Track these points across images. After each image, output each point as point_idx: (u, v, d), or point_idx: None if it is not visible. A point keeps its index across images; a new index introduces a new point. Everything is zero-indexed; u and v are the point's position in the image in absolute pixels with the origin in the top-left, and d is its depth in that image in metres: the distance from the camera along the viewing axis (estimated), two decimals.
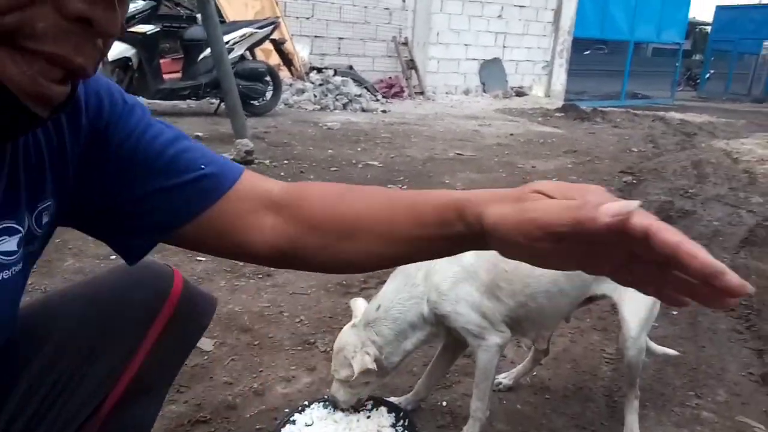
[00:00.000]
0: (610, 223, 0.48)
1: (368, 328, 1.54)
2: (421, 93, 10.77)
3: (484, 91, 11.91)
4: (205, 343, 2.02)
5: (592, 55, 19.21)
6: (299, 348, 2.07)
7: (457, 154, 5.91)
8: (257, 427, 1.65)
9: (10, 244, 0.66)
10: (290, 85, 8.52)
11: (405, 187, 4.41)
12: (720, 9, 17.41)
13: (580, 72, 14.11)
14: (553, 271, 1.45)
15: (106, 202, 0.75)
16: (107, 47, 0.59)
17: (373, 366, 1.49)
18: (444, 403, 1.79)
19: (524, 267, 1.45)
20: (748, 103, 14.77)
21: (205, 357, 1.96)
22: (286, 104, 8.09)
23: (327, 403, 1.64)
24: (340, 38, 10.29)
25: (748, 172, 5.68)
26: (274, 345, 2.08)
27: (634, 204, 0.49)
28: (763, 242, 3.51)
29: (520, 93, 12.08)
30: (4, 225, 0.66)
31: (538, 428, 1.70)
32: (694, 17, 15.69)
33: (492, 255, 1.47)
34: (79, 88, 0.71)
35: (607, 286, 1.60)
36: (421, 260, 0.73)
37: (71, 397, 0.86)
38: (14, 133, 0.62)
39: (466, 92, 11.79)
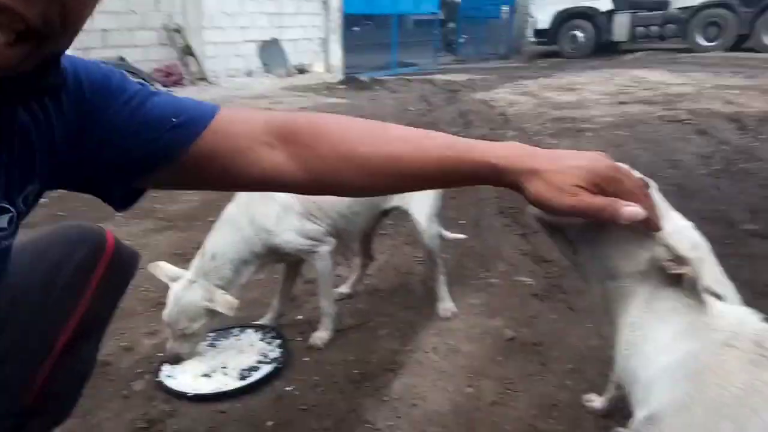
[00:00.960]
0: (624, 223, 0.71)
1: (208, 278, 1.75)
2: (203, 78, 10.60)
3: (267, 72, 12.09)
4: None
5: (363, 30, 20.35)
6: (153, 309, 2.21)
7: None
8: (137, 371, 1.80)
9: (2, 221, 0.72)
10: None
11: None
12: None
13: (355, 46, 14.98)
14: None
15: (92, 167, 0.81)
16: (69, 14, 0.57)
17: (236, 300, 1.74)
18: (300, 317, 2.12)
19: (326, 197, 1.82)
20: (497, 61, 17.02)
21: None
22: None
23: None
24: (104, 30, 9.65)
25: (502, 114, 6.78)
26: (127, 312, 2.19)
27: (641, 212, 0.71)
28: None
29: (302, 70, 12.49)
30: None
31: (376, 315, 2.11)
32: None
33: None
34: (80, 78, 0.77)
35: (394, 199, 2.04)
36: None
37: (26, 340, 0.96)
38: None
39: (249, 74, 11.85)
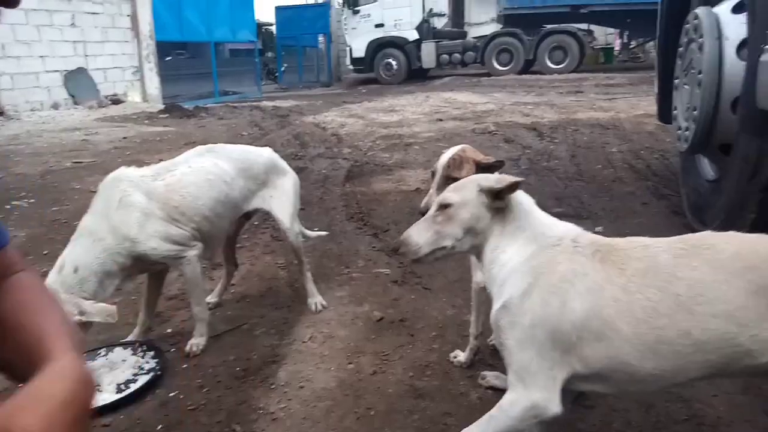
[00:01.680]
0: None
1: (73, 291, 1.66)
2: (0, 113, 9.52)
3: (76, 104, 11.19)
4: None
5: (179, 58, 19.68)
6: None
7: (75, 162, 5.68)
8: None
9: None
10: None
11: (33, 200, 4.15)
12: (279, 9, 19.96)
13: (171, 75, 14.47)
14: (213, 199, 1.91)
15: None
16: None
17: (113, 307, 1.67)
18: (170, 330, 2.08)
19: (187, 201, 1.86)
20: (319, 88, 17.55)
21: None
22: None
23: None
24: None
25: (335, 135, 7.07)
26: None
27: None
28: (357, 176, 4.63)
29: (115, 101, 11.76)
30: None
31: (248, 318, 2.15)
32: (259, 18, 17.57)
33: (159, 196, 1.82)
34: None
35: (256, 201, 2.14)
36: None
37: None
38: None
39: (55, 106, 10.88)
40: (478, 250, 1.24)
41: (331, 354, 1.89)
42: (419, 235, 1.21)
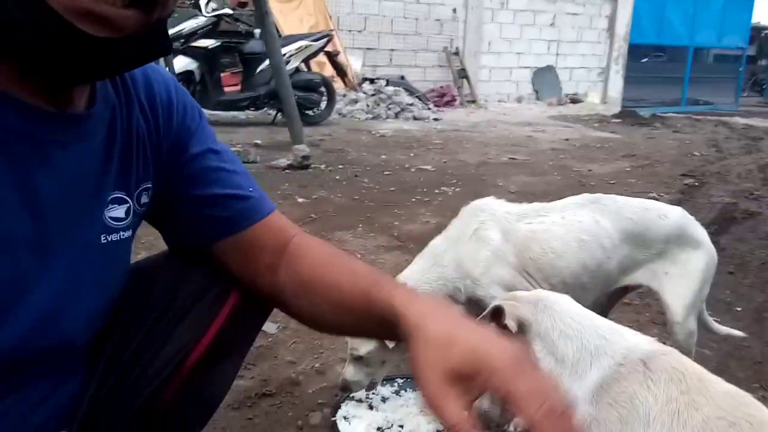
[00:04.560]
0: None
1: None
2: (473, 101, 10.77)
3: (538, 99, 11.81)
4: (269, 327, 2.11)
5: (651, 61, 18.73)
6: None
7: (511, 158, 5.90)
8: (319, 401, 1.71)
9: (119, 211, 0.77)
10: (344, 95, 8.70)
11: (458, 190, 4.43)
12: None
13: (637, 79, 13.78)
14: (579, 265, 1.52)
15: (171, 200, 0.85)
16: None
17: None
18: None
19: (548, 258, 1.51)
20: None
21: (270, 339, 2.05)
22: (339, 114, 8.27)
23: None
24: (392, 50, 10.44)
25: None
26: None
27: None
28: None
29: (575, 100, 11.92)
30: (115, 195, 0.77)
31: None
32: (758, 22, 15.04)
33: (517, 241, 1.52)
34: (173, 95, 0.85)
35: (641, 275, 1.62)
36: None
37: (158, 353, 0.91)
38: (90, 60, 0.61)
39: (519, 100, 11.71)
40: None
41: None
42: None
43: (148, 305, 0.89)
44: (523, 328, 1.02)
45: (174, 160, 0.84)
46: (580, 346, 0.99)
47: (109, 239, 0.77)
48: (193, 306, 0.90)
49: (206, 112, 7.19)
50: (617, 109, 11.00)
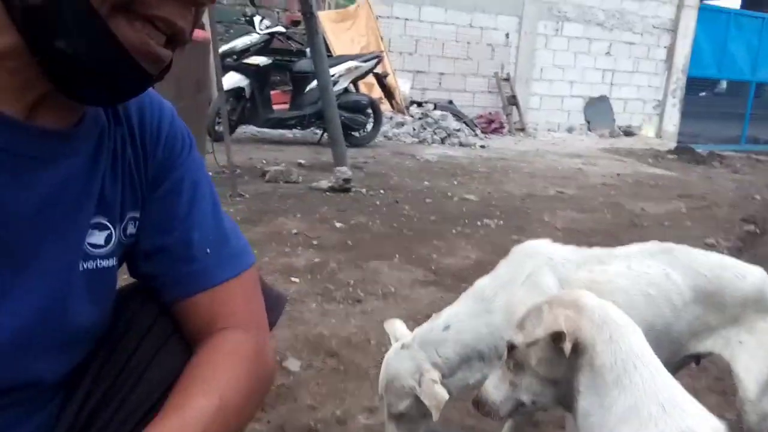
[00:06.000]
0: None
1: (427, 349, 1.40)
2: (522, 129, 10.58)
3: (589, 130, 11.51)
4: (292, 364, 2.01)
5: (710, 95, 18.11)
6: None
7: (558, 192, 5.69)
8: None
9: (98, 237, 0.73)
10: (390, 118, 8.66)
11: (501, 223, 4.26)
12: None
13: (695, 113, 13.29)
14: (644, 323, 1.35)
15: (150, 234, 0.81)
16: (199, 17, 0.67)
17: (446, 395, 1.36)
18: None
19: None
20: None
21: (291, 377, 1.95)
22: (385, 136, 8.22)
23: None
24: (441, 73, 10.37)
25: None
26: (359, 372, 2.03)
27: None
28: None
29: (628, 133, 11.56)
30: (97, 221, 0.73)
31: None
32: None
33: (578, 287, 1.38)
34: (164, 125, 0.82)
35: (713, 343, 1.45)
36: None
37: (134, 389, 0.83)
38: (131, 89, 0.68)
39: (570, 130, 11.44)
40: (569, 407, 0.93)
41: None
42: (495, 389, 1.01)
43: (126, 336, 0.83)
44: (576, 350, 0.90)
45: (149, 195, 0.80)
46: (633, 405, 0.85)
47: (87, 267, 0.72)
48: (167, 340, 0.82)
49: (254, 129, 7.29)
50: (673, 144, 10.62)
